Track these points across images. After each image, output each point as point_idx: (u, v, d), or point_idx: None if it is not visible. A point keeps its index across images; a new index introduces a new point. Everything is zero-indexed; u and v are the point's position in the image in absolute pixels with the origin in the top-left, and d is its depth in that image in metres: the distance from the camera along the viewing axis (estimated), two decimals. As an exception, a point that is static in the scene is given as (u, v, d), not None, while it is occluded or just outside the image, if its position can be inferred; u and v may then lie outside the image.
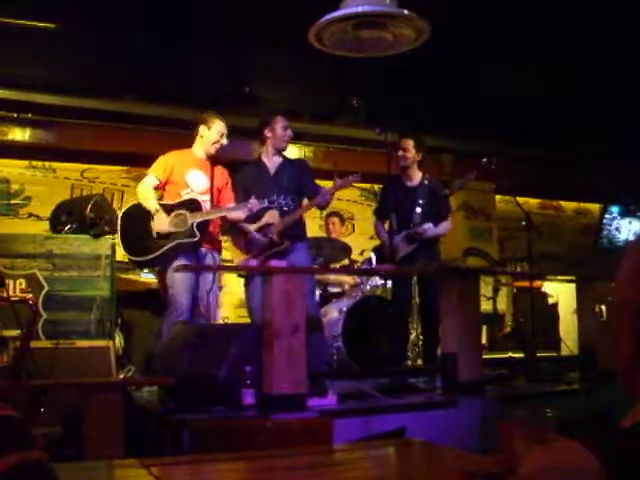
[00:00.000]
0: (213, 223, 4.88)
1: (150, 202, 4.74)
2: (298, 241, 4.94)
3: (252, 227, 4.86)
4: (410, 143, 5.30)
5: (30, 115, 7.05)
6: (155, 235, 4.67)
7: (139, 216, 4.75)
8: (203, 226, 4.70)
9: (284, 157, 5.09)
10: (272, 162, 5.00)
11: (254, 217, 4.85)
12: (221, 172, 4.99)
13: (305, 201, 5.00)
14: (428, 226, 5.22)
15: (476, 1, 5.35)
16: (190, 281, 4.68)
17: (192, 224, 4.64)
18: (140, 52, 6.01)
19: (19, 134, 7.20)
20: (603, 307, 5.09)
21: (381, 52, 3.86)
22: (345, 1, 3.52)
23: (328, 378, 4.23)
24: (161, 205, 4.75)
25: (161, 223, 4.67)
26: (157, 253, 4.65)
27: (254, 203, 4.66)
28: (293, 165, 5.12)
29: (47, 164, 7.55)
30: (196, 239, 4.65)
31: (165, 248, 4.64)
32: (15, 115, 7.03)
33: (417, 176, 5.41)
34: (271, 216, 4.86)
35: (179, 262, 4.63)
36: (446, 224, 5.44)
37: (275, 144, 4.97)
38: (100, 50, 5.99)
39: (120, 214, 4.90)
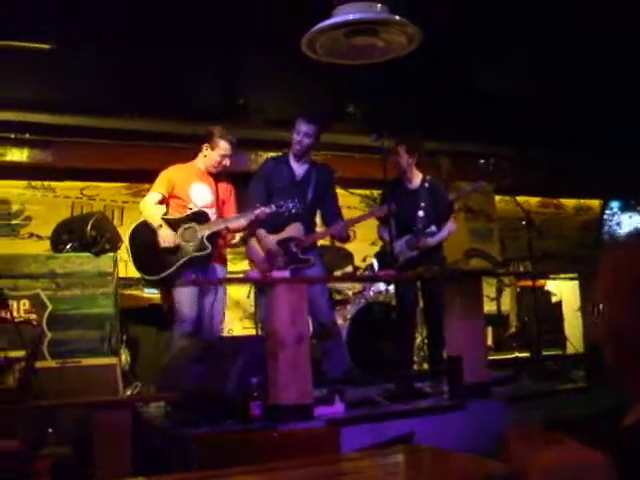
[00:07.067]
0: (222, 236, 4.84)
1: (154, 217, 4.70)
2: (310, 251, 4.86)
3: (273, 239, 4.76)
4: (402, 149, 5.31)
5: (28, 135, 7.05)
6: (162, 250, 4.62)
7: (147, 234, 4.69)
8: (214, 238, 4.67)
9: (312, 162, 4.97)
10: (299, 167, 4.90)
11: (277, 228, 4.76)
12: (225, 185, 4.98)
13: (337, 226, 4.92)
14: (431, 231, 5.20)
15: (467, 3, 5.35)
16: (195, 294, 4.66)
17: (202, 237, 4.61)
18: (136, 68, 6.02)
19: (17, 154, 7.18)
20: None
21: (374, 59, 3.88)
22: (337, 9, 3.54)
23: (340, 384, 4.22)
24: (168, 220, 4.70)
25: (167, 237, 4.61)
26: (170, 270, 4.58)
27: (261, 211, 4.58)
28: (320, 176, 4.96)
29: (46, 183, 7.54)
30: (208, 251, 4.61)
31: (178, 264, 4.59)
32: (12, 136, 7.02)
33: (417, 178, 5.40)
34: (296, 230, 4.76)
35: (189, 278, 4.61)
36: (450, 225, 5.40)
37: (292, 148, 4.89)
38: (96, 67, 5.99)
39: (128, 233, 4.82)
